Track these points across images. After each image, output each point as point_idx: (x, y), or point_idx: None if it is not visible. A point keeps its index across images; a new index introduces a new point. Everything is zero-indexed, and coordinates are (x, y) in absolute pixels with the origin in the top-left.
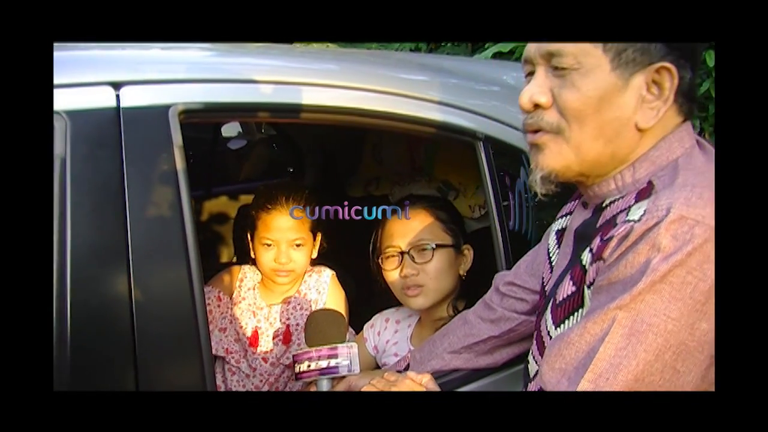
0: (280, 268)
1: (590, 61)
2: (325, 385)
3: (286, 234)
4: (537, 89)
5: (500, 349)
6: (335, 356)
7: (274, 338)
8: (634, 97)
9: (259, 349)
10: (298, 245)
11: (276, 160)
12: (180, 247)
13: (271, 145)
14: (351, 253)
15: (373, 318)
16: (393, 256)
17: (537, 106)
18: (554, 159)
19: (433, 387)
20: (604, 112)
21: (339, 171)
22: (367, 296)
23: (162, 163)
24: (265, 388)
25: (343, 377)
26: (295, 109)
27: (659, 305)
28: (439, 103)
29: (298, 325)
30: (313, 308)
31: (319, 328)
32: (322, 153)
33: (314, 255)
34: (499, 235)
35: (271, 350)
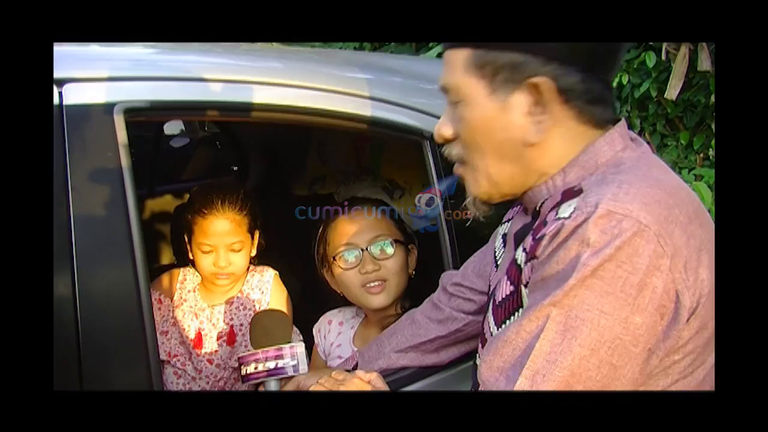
0: (219, 271)
1: (468, 91)
2: (273, 386)
3: (223, 239)
4: (442, 123)
5: (447, 348)
6: (281, 357)
7: (218, 339)
8: (518, 115)
9: (203, 350)
10: (236, 248)
11: (220, 158)
12: (125, 247)
13: (215, 143)
14: (294, 252)
15: (318, 321)
16: (349, 254)
17: (447, 139)
18: (474, 187)
19: (381, 385)
20: (494, 136)
21: (284, 170)
22: (311, 295)
23: (107, 162)
24: (215, 389)
25: (291, 377)
26: (240, 108)
27: (591, 300)
28: (385, 101)
29: (242, 325)
30: (257, 308)
31: (264, 329)
32: (267, 151)
33: (253, 253)
34: (446, 234)
35: (216, 351)
